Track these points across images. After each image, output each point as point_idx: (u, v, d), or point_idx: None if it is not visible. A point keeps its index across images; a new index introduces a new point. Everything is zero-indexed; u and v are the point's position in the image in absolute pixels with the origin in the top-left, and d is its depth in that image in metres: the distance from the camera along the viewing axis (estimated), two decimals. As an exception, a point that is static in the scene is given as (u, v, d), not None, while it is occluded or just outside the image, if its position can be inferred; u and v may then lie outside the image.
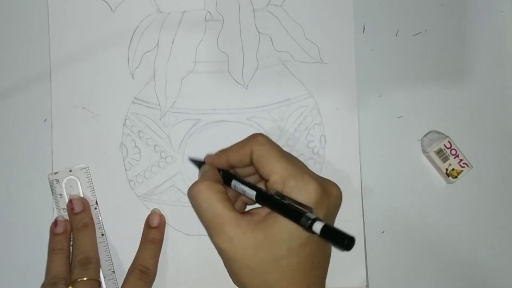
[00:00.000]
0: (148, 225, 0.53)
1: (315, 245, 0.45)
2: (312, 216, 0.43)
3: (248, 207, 0.52)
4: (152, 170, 0.55)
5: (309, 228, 0.42)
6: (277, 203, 0.45)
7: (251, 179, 0.51)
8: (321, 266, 0.48)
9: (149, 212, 0.54)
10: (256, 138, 0.48)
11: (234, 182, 0.49)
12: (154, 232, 0.53)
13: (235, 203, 0.51)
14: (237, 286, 0.48)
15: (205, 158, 0.52)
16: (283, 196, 0.45)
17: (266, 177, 0.47)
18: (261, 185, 0.49)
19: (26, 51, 0.55)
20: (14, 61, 0.55)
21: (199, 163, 0.53)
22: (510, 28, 0.57)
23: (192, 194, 0.47)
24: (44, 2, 0.55)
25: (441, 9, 0.57)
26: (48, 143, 0.54)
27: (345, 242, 0.40)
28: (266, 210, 0.46)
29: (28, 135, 0.55)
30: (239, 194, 0.50)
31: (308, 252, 0.45)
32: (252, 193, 0.47)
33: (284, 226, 0.44)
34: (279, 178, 0.46)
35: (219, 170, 0.50)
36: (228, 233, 0.45)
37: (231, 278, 0.48)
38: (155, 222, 0.53)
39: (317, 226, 0.42)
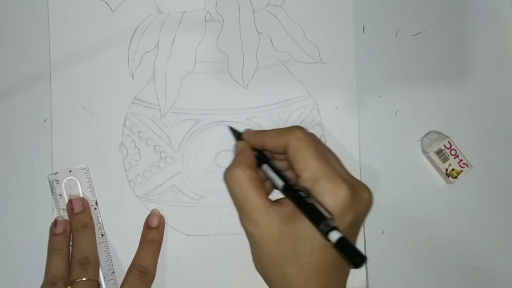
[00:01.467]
0: (147, 226, 0.53)
1: None
2: (332, 224, 0.42)
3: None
4: (152, 170, 0.55)
5: (326, 235, 0.42)
6: (301, 200, 0.45)
7: (284, 164, 0.50)
8: (342, 269, 0.47)
9: (149, 212, 0.54)
10: (294, 131, 0.48)
11: (264, 167, 0.49)
12: (153, 232, 0.53)
13: (265, 182, 0.51)
14: (258, 271, 0.49)
15: (243, 132, 0.52)
16: (308, 194, 0.45)
17: (298, 173, 0.47)
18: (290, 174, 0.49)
19: (26, 51, 0.55)
20: (14, 61, 0.55)
21: (237, 135, 0.53)
22: (510, 28, 0.57)
23: (227, 178, 0.48)
24: (44, 3, 0.55)
25: (441, 10, 0.57)
26: (48, 144, 0.54)
27: (356, 259, 0.41)
28: None
29: (28, 135, 0.55)
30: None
31: (330, 253, 0.45)
32: (279, 183, 0.47)
33: (310, 224, 0.44)
34: (310, 177, 0.46)
35: (255, 149, 0.51)
36: (256, 220, 0.46)
37: (254, 262, 0.49)
38: (154, 222, 0.53)
39: (334, 236, 0.42)
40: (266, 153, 0.51)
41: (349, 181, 0.46)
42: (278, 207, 0.46)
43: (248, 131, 0.52)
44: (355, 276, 0.54)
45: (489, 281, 0.55)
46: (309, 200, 0.44)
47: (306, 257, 0.45)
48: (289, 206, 0.46)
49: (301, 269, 0.45)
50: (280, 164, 0.50)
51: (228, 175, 0.48)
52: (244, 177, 0.47)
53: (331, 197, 0.45)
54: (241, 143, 0.51)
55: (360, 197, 0.46)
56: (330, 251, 0.44)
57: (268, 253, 0.46)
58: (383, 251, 0.54)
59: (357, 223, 0.47)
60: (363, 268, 0.54)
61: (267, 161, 0.49)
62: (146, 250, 0.53)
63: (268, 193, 0.51)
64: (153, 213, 0.54)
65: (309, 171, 0.46)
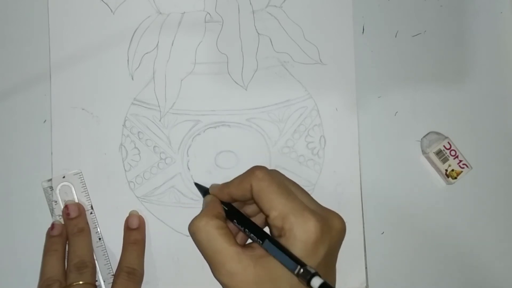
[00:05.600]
0: (128, 228, 0.54)
1: None
2: (312, 271, 0.42)
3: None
4: (152, 171, 0.55)
5: (307, 283, 0.42)
6: (276, 251, 0.44)
7: (255, 207, 0.50)
8: None
9: (148, 213, 0.54)
10: (254, 172, 0.47)
11: (235, 221, 0.49)
12: (135, 233, 0.53)
13: (238, 234, 0.50)
14: None
15: (210, 188, 0.52)
16: (277, 244, 0.45)
17: (266, 213, 0.46)
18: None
19: (26, 52, 0.55)
20: (14, 62, 0.55)
21: (204, 191, 0.53)
22: (509, 29, 0.57)
23: (191, 230, 0.47)
24: (44, 3, 0.55)
25: (441, 10, 0.57)
26: (48, 144, 0.54)
27: None
28: None
29: (28, 136, 0.55)
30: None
31: None
32: (253, 238, 0.47)
33: None
34: (278, 215, 0.45)
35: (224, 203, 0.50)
36: (229, 270, 0.44)
37: None
38: (134, 223, 0.53)
39: (316, 282, 0.42)
40: (235, 204, 0.50)
41: (318, 213, 0.45)
42: (250, 251, 0.45)
43: (214, 185, 0.52)
44: (355, 277, 0.54)
45: (489, 281, 0.55)
46: (283, 248, 0.44)
47: None
48: (261, 249, 0.45)
49: None
50: (252, 209, 0.50)
51: (193, 227, 0.47)
52: (210, 226, 0.46)
53: (301, 232, 0.44)
54: (209, 196, 0.51)
55: (331, 227, 0.46)
56: None
57: None
58: (383, 251, 0.54)
59: (332, 253, 0.46)
60: (362, 269, 0.54)
61: (236, 215, 0.49)
62: (131, 251, 0.53)
63: (243, 242, 0.51)
64: (132, 215, 0.54)
65: (277, 210, 0.45)
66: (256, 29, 0.56)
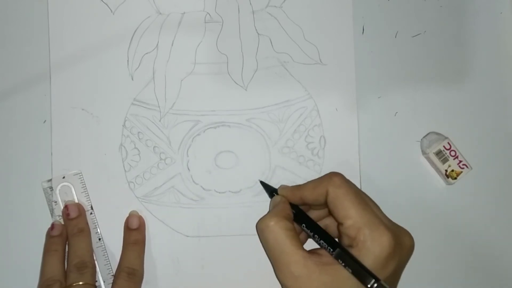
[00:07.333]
0: (128, 228, 0.54)
1: None
2: (387, 287, 0.43)
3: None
4: (152, 171, 0.55)
5: None
6: (346, 260, 0.44)
7: (321, 212, 0.50)
8: None
9: (148, 213, 0.54)
10: (332, 178, 0.47)
11: (303, 225, 0.48)
12: (135, 233, 0.53)
13: (300, 234, 0.50)
14: None
15: (278, 189, 0.52)
16: (350, 255, 0.44)
17: (340, 221, 0.46)
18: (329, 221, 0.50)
19: (26, 52, 0.55)
20: (14, 62, 0.55)
21: (270, 191, 0.53)
22: (509, 29, 0.57)
23: (260, 228, 0.47)
24: (44, 4, 0.55)
25: (440, 11, 0.57)
26: (48, 145, 0.54)
27: None
28: None
29: (28, 136, 0.55)
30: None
31: None
32: (320, 242, 0.47)
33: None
34: (353, 225, 0.45)
35: (292, 204, 0.50)
36: (294, 272, 0.45)
37: None
38: (134, 224, 0.53)
39: None
40: (302, 207, 0.50)
41: (392, 229, 0.45)
42: (317, 258, 0.45)
43: (284, 187, 0.52)
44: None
45: (489, 281, 0.55)
46: (356, 260, 0.44)
47: None
48: (328, 256, 0.45)
49: None
50: (317, 214, 0.50)
51: (261, 225, 0.47)
52: (279, 227, 0.46)
53: (375, 245, 0.44)
54: (278, 197, 0.51)
55: (403, 243, 0.46)
56: None
57: None
58: (383, 252, 0.54)
59: (399, 269, 0.46)
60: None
61: (305, 218, 0.49)
62: (131, 251, 0.53)
63: (303, 243, 0.50)
64: (132, 215, 0.54)
65: (352, 219, 0.45)
66: (256, 29, 0.56)
